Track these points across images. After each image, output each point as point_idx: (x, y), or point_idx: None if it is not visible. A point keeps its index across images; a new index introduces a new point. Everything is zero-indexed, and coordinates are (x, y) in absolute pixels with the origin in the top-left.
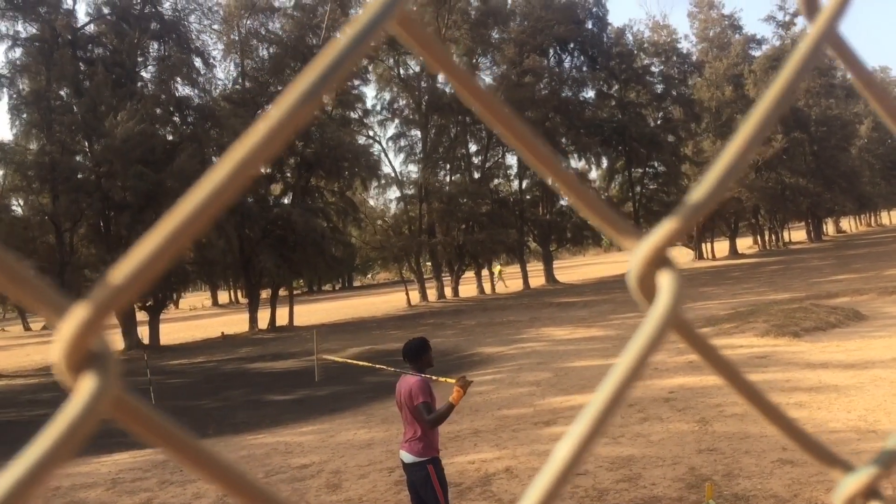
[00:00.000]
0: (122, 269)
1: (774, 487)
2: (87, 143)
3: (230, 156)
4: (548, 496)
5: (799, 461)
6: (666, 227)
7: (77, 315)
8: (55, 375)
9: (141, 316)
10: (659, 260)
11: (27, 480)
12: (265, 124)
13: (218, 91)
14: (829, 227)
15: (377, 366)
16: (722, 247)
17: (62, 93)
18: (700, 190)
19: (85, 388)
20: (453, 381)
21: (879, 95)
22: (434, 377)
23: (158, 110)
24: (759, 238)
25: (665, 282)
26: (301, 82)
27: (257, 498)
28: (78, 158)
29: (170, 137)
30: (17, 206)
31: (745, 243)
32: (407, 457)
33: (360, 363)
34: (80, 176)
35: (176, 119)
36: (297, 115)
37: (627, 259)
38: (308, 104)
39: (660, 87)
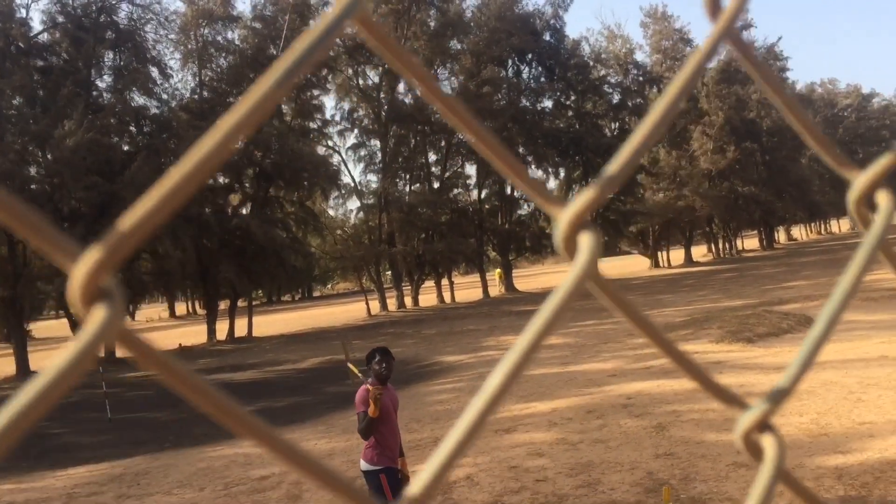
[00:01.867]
0: (128, 219)
1: (730, 490)
2: (40, 154)
3: (220, 123)
4: (459, 446)
5: (754, 465)
6: (586, 194)
7: (91, 256)
8: (7, 389)
9: None
10: (580, 223)
11: (45, 394)
12: (244, 100)
13: (175, 101)
14: (781, 236)
15: (358, 373)
16: (677, 255)
17: (15, 101)
18: (614, 164)
19: (97, 316)
20: (371, 388)
21: (775, 87)
22: (370, 387)
23: (114, 121)
24: (713, 246)
25: (584, 241)
26: (269, 74)
27: (246, 424)
28: (32, 169)
29: (126, 148)
30: None
31: (699, 251)
32: (362, 464)
33: (356, 370)
34: (32, 187)
35: (132, 129)
36: (268, 100)
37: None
38: (277, 91)
39: (616, 98)
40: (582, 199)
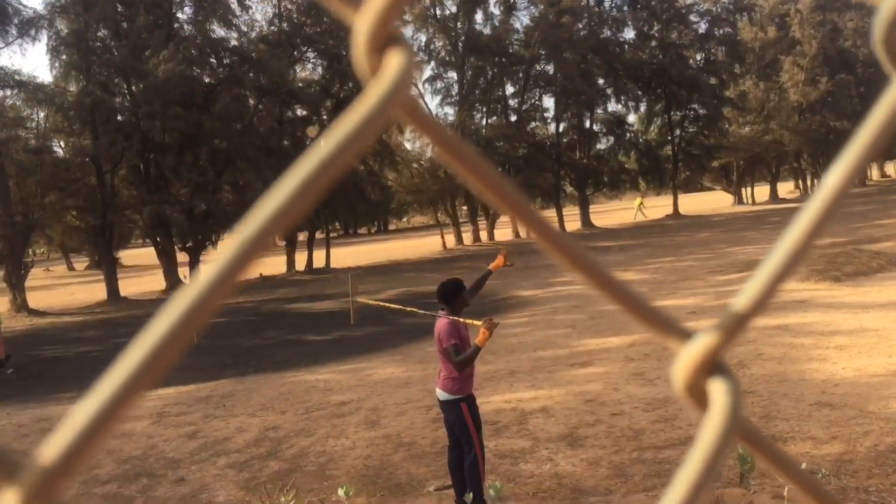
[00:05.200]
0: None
1: (812, 430)
2: (125, 85)
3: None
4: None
5: (837, 404)
6: (719, 331)
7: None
8: (99, 314)
9: (182, 256)
10: (711, 366)
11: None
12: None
13: (255, 32)
14: (874, 172)
15: (408, 308)
16: (762, 192)
17: (101, 34)
18: (747, 295)
19: (393, 63)
20: (479, 323)
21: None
22: (463, 319)
23: (195, 52)
24: (800, 182)
25: (719, 394)
26: (298, 171)
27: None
28: (117, 100)
29: (207, 80)
30: (58, 148)
31: (786, 188)
32: (442, 394)
33: (394, 306)
34: (119, 118)
35: (213, 61)
36: (288, 208)
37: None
38: (303, 196)
39: (703, 27)
40: (714, 334)
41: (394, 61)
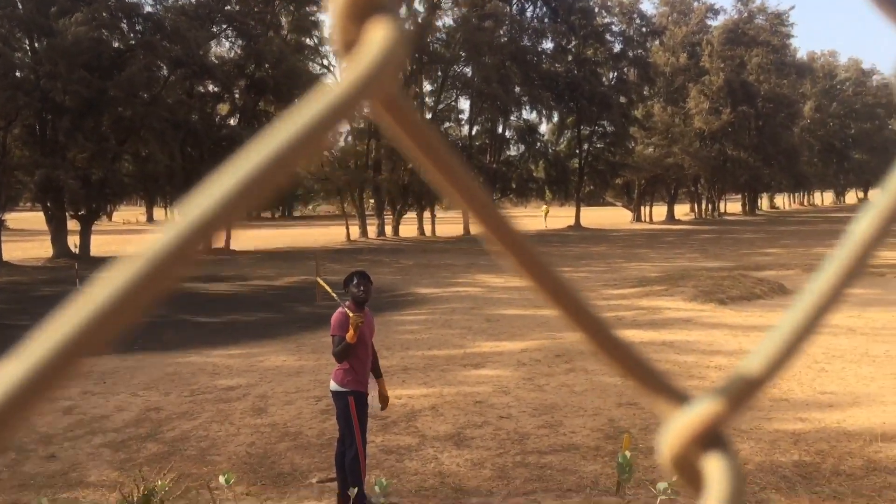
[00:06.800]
0: None
1: None
2: (27, 41)
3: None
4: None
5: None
6: (723, 398)
7: None
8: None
9: (72, 225)
10: (708, 439)
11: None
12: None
13: (171, 1)
14: (764, 203)
15: (333, 294)
16: (660, 211)
17: None
18: (759, 358)
19: (376, 36)
20: (353, 315)
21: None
22: (350, 312)
23: (106, 15)
24: (696, 206)
25: (718, 475)
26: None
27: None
28: (18, 55)
29: (116, 44)
30: None
31: (682, 210)
32: (332, 384)
33: (328, 288)
34: (18, 74)
35: (124, 26)
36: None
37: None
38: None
39: (618, 47)
40: (713, 403)
41: (377, 34)
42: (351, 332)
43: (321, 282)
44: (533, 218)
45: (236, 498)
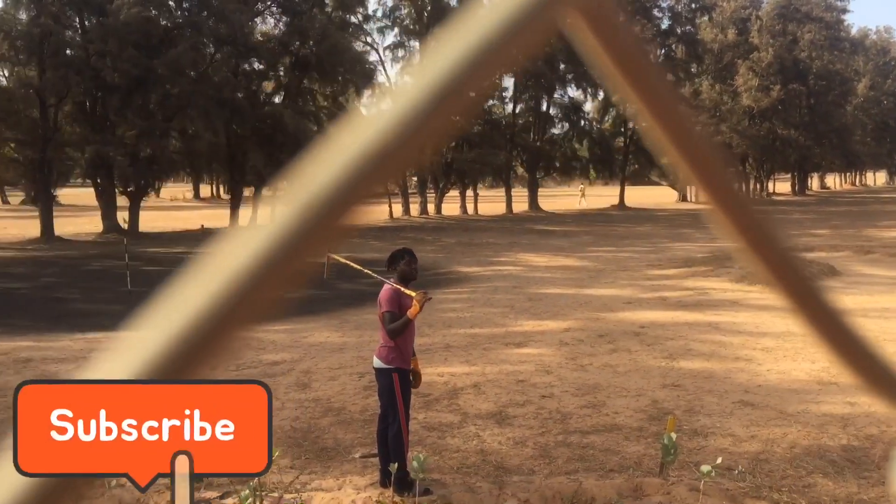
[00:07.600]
0: None
1: (733, 427)
2: (78, 20)
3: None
4: None
5: (759, 404)
6: None
7: None
8: (31, 250)
9: (121, 201)
10: None
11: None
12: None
13: None
14: (814, 183)
15: (365, 270)
16: None
17: None
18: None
19: None
20: (414, 294)
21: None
22: (404, 289)
23: None
24: (744, 186)
25: None
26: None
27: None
28: (69, 34)
29: (163, 23)
30: (1, 77)
31: None
32: (376, 361)
33: (357, 266)
34: (69, 52)
35: (171, 4)
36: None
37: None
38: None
39: (665, 23)
40: None
41: None
42: (416, 308)
43: (336, 256)
44: (575, 197)
45: (280, 471)
